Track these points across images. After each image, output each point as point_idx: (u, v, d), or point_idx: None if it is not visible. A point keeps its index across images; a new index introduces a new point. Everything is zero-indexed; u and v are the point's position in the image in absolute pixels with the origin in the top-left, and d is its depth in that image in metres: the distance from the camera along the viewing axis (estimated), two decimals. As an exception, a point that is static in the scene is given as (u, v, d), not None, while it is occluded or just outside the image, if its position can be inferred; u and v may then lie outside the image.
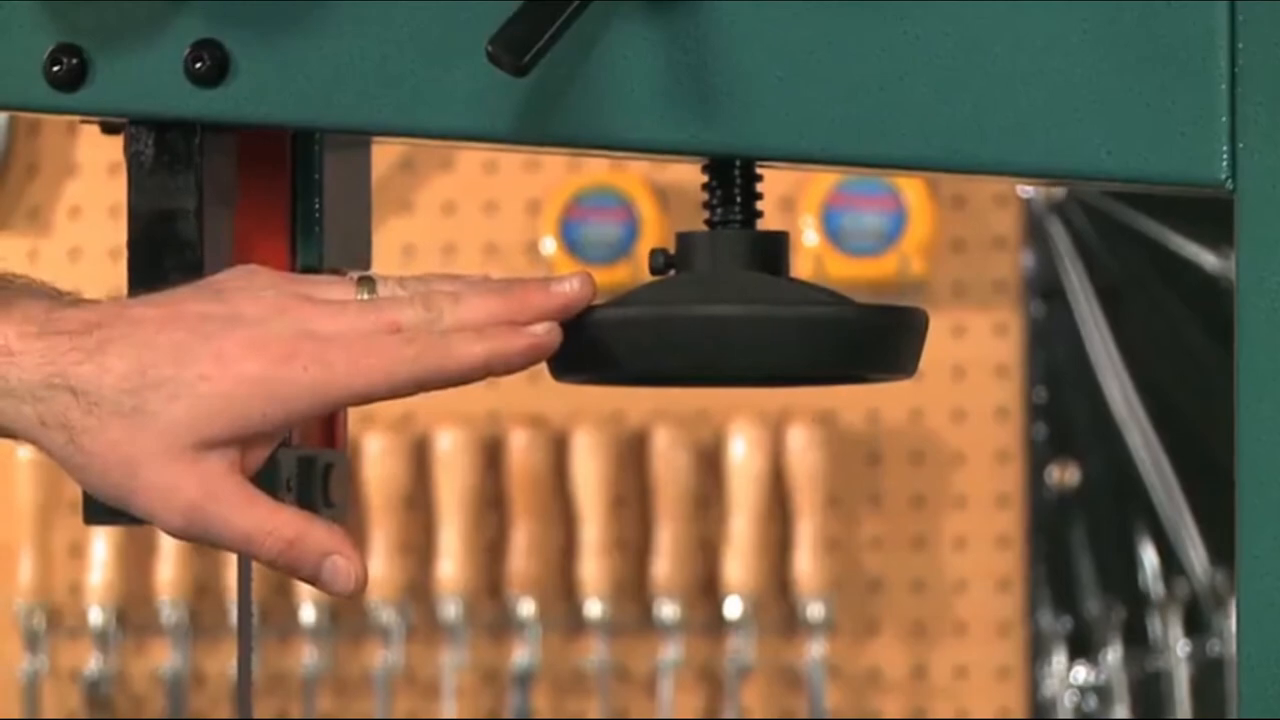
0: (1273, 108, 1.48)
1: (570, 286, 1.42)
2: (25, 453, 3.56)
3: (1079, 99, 1.48)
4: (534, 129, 1.54)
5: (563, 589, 3.55)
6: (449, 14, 1.51)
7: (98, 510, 1.56)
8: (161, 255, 1.61)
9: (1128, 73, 1.47)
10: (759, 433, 3.20)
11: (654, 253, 1.57)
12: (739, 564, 3.23)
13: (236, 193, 1.66)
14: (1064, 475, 3.52)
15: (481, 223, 3.50)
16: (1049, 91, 1.48)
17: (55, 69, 1.60)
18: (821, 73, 1.48)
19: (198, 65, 1.59)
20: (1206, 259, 3.30)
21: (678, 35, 1.51)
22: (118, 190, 1.65)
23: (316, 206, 1.69)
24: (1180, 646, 3.60)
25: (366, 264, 1.75)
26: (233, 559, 1.71)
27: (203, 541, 1.41)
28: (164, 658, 3.74)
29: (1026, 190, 3.31)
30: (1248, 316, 1.42)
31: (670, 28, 1.51)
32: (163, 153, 1.62)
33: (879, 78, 1.48)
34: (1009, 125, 1.47)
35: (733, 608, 3.23)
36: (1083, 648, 3.58)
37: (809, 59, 1.49)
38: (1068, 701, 3.59)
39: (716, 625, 3.34)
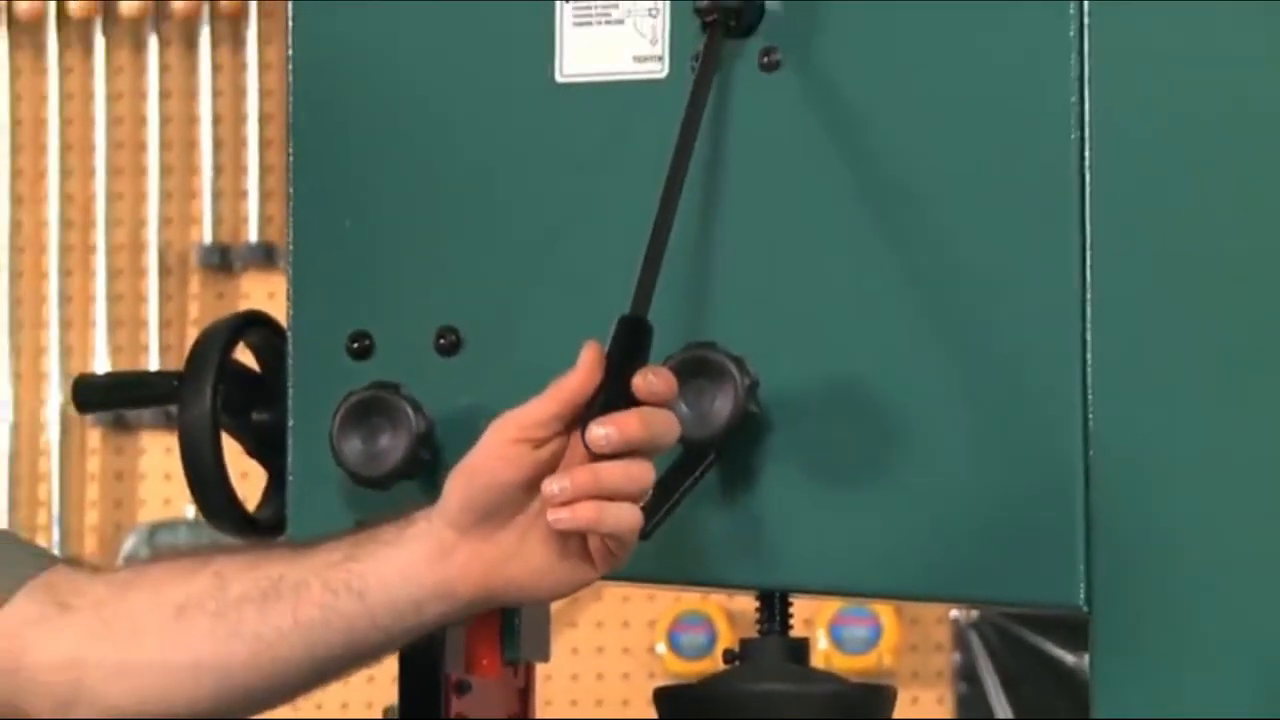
0: (1121, 547, 1.67)
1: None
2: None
3: (978, 549, 1.71)
4: (649, 573, 1.79)
5: None
6: None
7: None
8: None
9: (1006, 529, 1.71)
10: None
11: (726, 652, 1.87)
12: None
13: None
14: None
15: (619, 634, 3.91)
16: (962, 544, 1.71)
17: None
18: (830, 538, 1.74)
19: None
20: (1068, 658, 3.59)
21: (739, 504, 1.76)
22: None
23: (516, 620, 1.90)
24: None
25: (546, 656, 1.99)
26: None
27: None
28: None
29: (954, 612, 3.67)
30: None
31: (734, 498, 1.76)
32: None
33: (865, 547, 1.73)
34: (946, 567, 1.71)
35: None
36: None
37: (823, 529, 1.74)
38: None
39: None
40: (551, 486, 1.60)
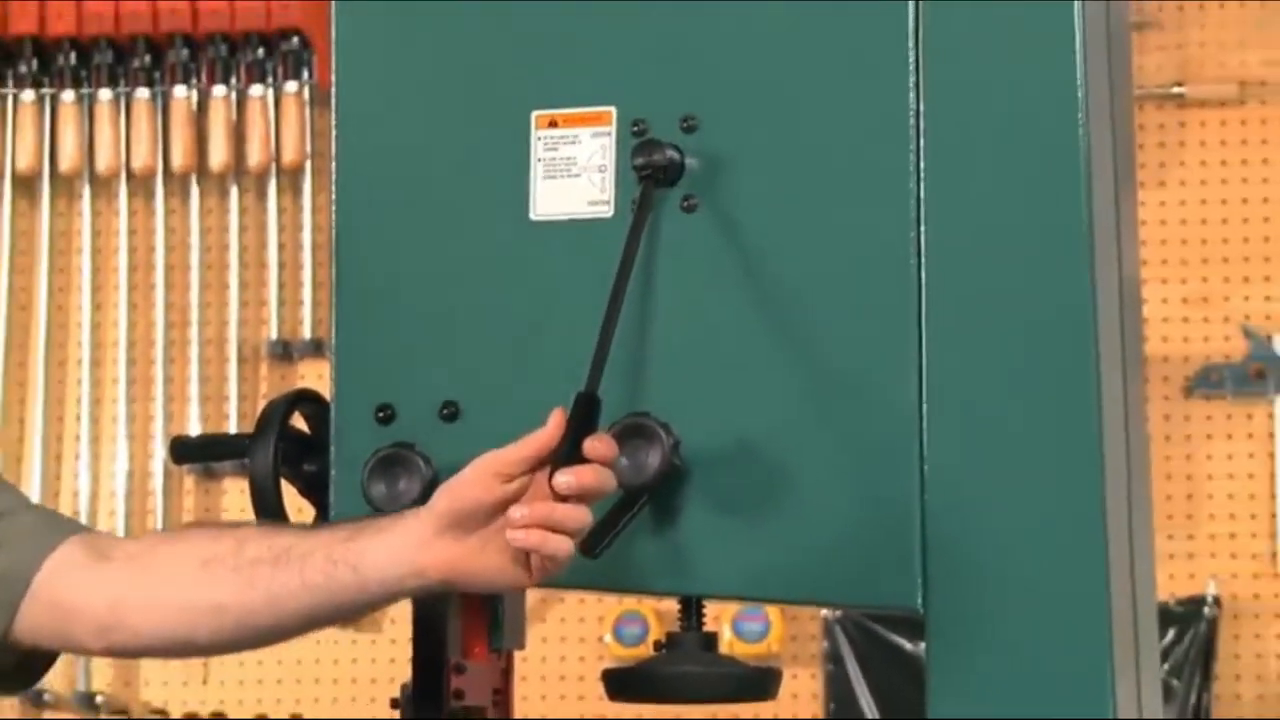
0: (949, 563, 1.65)
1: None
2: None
3: (839, 564, 1.70)
4: (599, 583, 1.81)
5: None
6: None
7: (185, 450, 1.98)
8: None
9: (860, 549, 1.70)
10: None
11: (656, 642, 1.90)
12: None
13: (461, 611, 1.92)
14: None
15: (576, 627, 3.82)
16: (828, 561, 1.71)
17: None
18: (731, 558, 1.74)
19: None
20: (908, 645, 3.53)
21: (665, 533, 1.75)
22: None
23: (500, 618, 1.93)
24: None
25: (522, 645, 1.99)
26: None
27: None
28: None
29: (824, 611, 3.62)
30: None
31: (661, 529, 1.75)
32: (430, 597, 1.83)
33: (756, 564, 1.73)
34: (815, 578, 1.72)
35: None
36: None
37: (726, 551, 1.74)
38: None
39: None
40: (515, 513, 1.62)
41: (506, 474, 1.64)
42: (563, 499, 1.62)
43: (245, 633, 1.73)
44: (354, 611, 1.73)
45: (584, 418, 1.64)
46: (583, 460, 1.62)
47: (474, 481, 1.64)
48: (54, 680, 3.72)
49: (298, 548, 1.70)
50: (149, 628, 1.73)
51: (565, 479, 1.60)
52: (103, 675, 3.94)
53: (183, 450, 2.05)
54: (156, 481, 3.95)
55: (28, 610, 1.74)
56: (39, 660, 1.82)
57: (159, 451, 3.91)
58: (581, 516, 1.63)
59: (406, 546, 1.66)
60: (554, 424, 1.63)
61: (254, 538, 1.73)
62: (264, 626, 1.73)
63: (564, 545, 1.62)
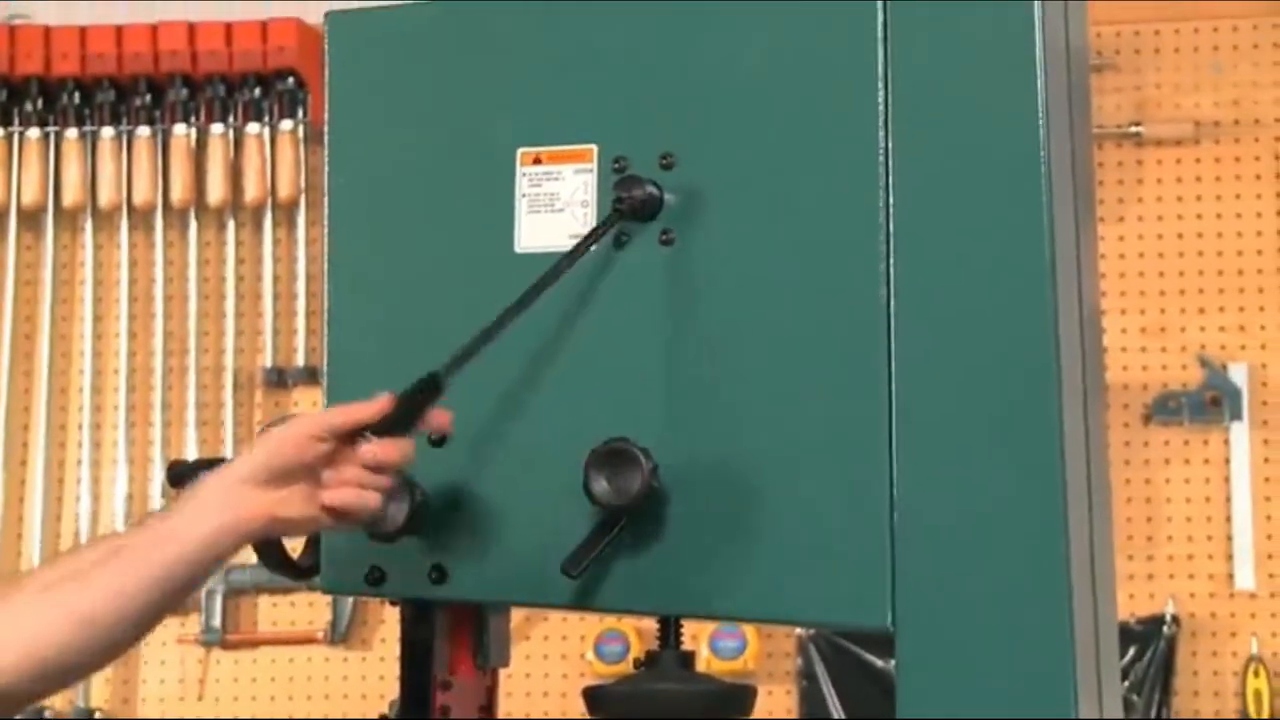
0: (921, 572, 1.65)
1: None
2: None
3: (813, 585, 1.69)
4: (581, 602, 1.78)
5: None
6: (543, 555, 1.74)
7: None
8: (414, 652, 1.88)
9: (833, 572, 1.69)
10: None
11: (636, 660, 1.89)
12: None
13: (448, 629, 1.90)
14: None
15: (559, 645, 3.79)
16: (802, 581, 1.70)
17: (370, 575, 1.83)
18: (708, 579, 1.73)
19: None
20: (878, 662, 3.51)
21: (644, 554, 1.75)
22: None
23: (486, 637, 1.92)
24: None
25: (507, 662, 1.96)
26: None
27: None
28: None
29: (798, 629, 3.60)
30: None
31: (641, 550, 1.74)
32: (418, 616, 1.90)
33: (732, 584, 1.72)
34: (791, 598, 1.71)
35: None
36: None
37: (703, 572, 1.73)
38: None
39: None
40: (327, 473, 1.68)
41: (323, 438, 1.68)
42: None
43: (96, 640, 1.67)
44: (188, 585, 1.69)
45: (417, 397, 1.69)
46: (403, 433, 1.69)
47: (294, 441, 1.68)
48: (53, 697, 3.67)
49: (127, 541, 1.69)
50: (7, 666, 1.64)
51: (369, 449, 1.68)
52: (100, 692, 3.93)
53: (180, 474, 1.98)
54: (155, 504, 3.94)
55: None
56: None
57: (157, 475, 3.90)
58: (381, 481, 1.70)
59: (224, 505, 1.67)
60: (379, 402, 1.68)
61: (88, 549, 1.72)
62: (110, 624, 1.67)
63: (371, 501, 1.70)
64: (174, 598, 1.69)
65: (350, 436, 1.70)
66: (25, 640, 1.64)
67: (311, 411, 1.71)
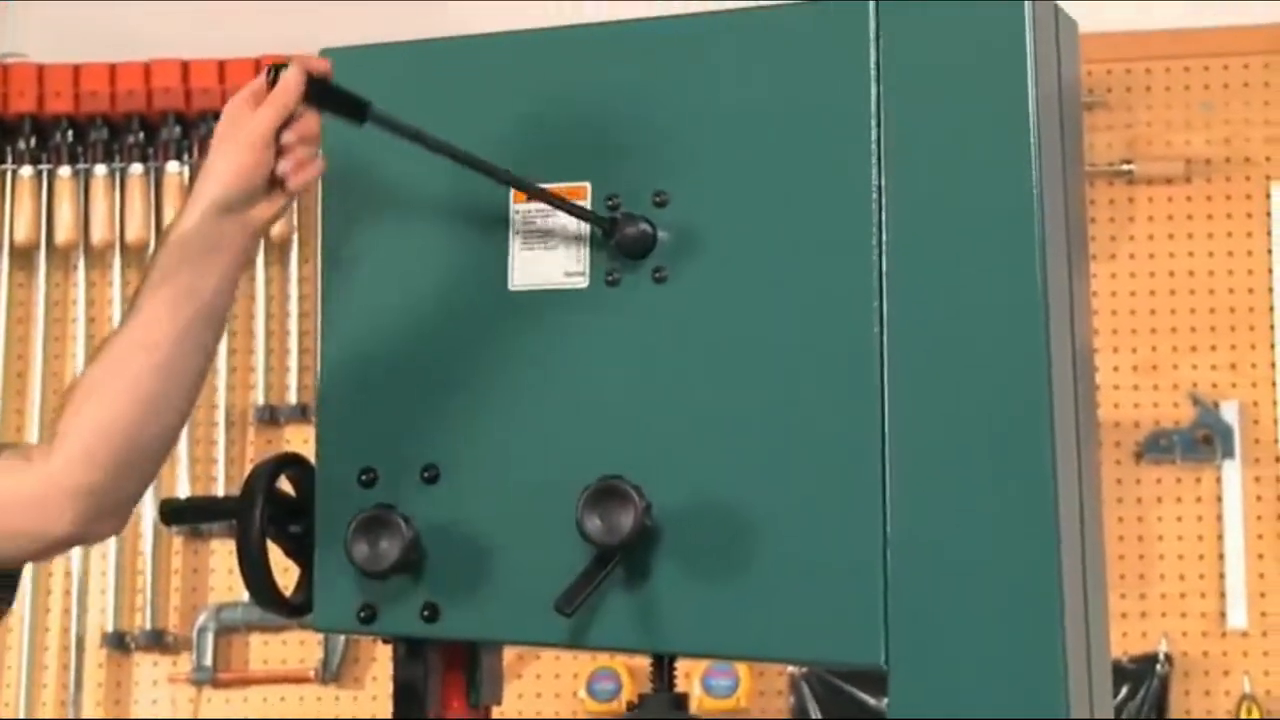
0: (914, 610, 1.65)
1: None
2: None
3: (806, 623, 1.70)
4: (574, 640, 1.78)
5: None
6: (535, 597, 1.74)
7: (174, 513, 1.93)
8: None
9: (827, 609, 1.69)
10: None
11: (629, 703, 1.91)
12: None
13: (441, 667, 1.90)
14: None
15: (552, 683, 3.76)
16: (795, 620, 1.70)
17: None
18: (701, 617, 1.73)
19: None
20: (871, 701, 3.50)
21: (636, 592, 1.75)
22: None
23: (479, 675, 1.92)
24: None
25: (499, 700, 1.95)
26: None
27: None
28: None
29: (790, 667, 3.57)
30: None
31: (633, 588, 1.75)
32: (411, 654, 1.88)
33: (725, 623, 1.72)
34: (783, 636, 1.71)
35: None
36: None
37: (696, 611, 1.73)
38: None
39: None
40: (285, 166, 1.74)
41: (267, 146, 1.73)
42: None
43: (178, 363, 1.71)
44: (226, 298, 1.75)
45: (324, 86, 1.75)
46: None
47: (248, 165, 1.73)
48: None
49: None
50: (93, 421, 1.67)
51: (299, 130, 1.74)
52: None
53: (172, 512, 2.03)
54: (146, 543, 3.94)
55: None
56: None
57: (148, 513, 3.89)
58: (314, 149, 1.77)
59: (225, 263, 1.74)
60: (292, 80, 1.72)
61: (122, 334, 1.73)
62: (192, 367, 1.72)
63: (318, 167, 1.77)
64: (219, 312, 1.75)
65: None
66: (112, 393, 1.67)
67: (234, 133, 1.73)
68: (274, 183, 1.75)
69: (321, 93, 1.74)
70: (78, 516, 1.68)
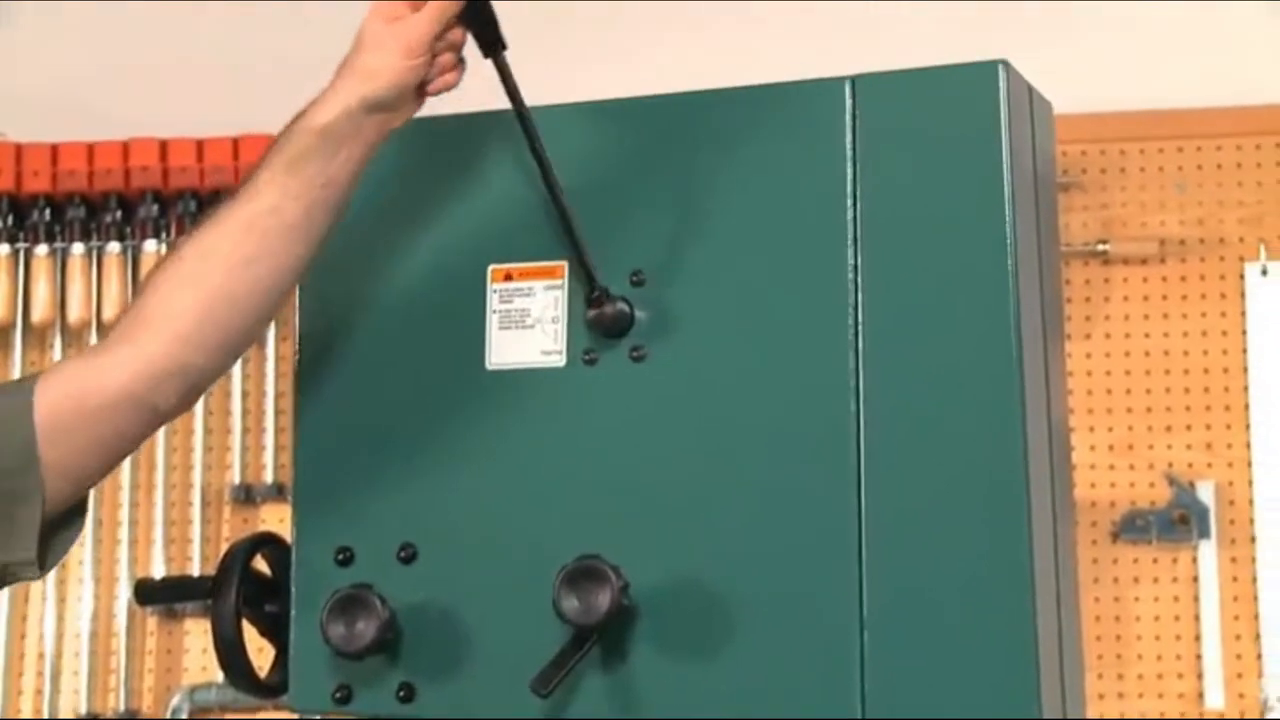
0: (892, 687, 1.65)
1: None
2: None
3: (782, 684, 1.69)
4: (554, 716, 1.77)
5: None
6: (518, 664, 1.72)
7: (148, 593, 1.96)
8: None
9: (803, 673, 1.68)
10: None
11: None
12: None
13: None
14: None
15: None
16: (770, 683, 1.70)
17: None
18: (676, 690, 1.74)
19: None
20: None
21: (612, 670, 1.75)
22: None
23: None
24: None
25: None
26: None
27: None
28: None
29: None
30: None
31: (609, 667, 1.75)
32: None
33: (702, 692, 1.72)
34: (758, 697, 1.70)
35: None
36: None
37: (672, 683, 1.74)
38: None
39: None
40: (431, 73, 1.76)
41: (419, 54, 1.73)
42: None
43: (293, 247, 1.72)
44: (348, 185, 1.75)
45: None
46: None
47: (397, 70, 1.73)
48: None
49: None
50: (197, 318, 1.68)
51: (446, 61, 1.75)
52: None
53: (147, 592, 2.03)
54: (120, 622, 3.92)
55: (46, 412, 1.67)
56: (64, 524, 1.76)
57: (123, 593, 3.88)
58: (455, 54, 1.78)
59: (351, 138, 1.73)
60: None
61: (216, 235, 1.72)
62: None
63: (459, 75, 1.78)
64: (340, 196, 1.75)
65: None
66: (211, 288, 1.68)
67: (391, 32, 1.73)
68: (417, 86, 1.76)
69: (475, 11, 1.75)
70: (181, 394, 1.71)
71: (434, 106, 1.86)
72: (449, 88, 1.77)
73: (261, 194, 1.70)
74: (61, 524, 1.73)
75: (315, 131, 1.71)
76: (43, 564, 1.71)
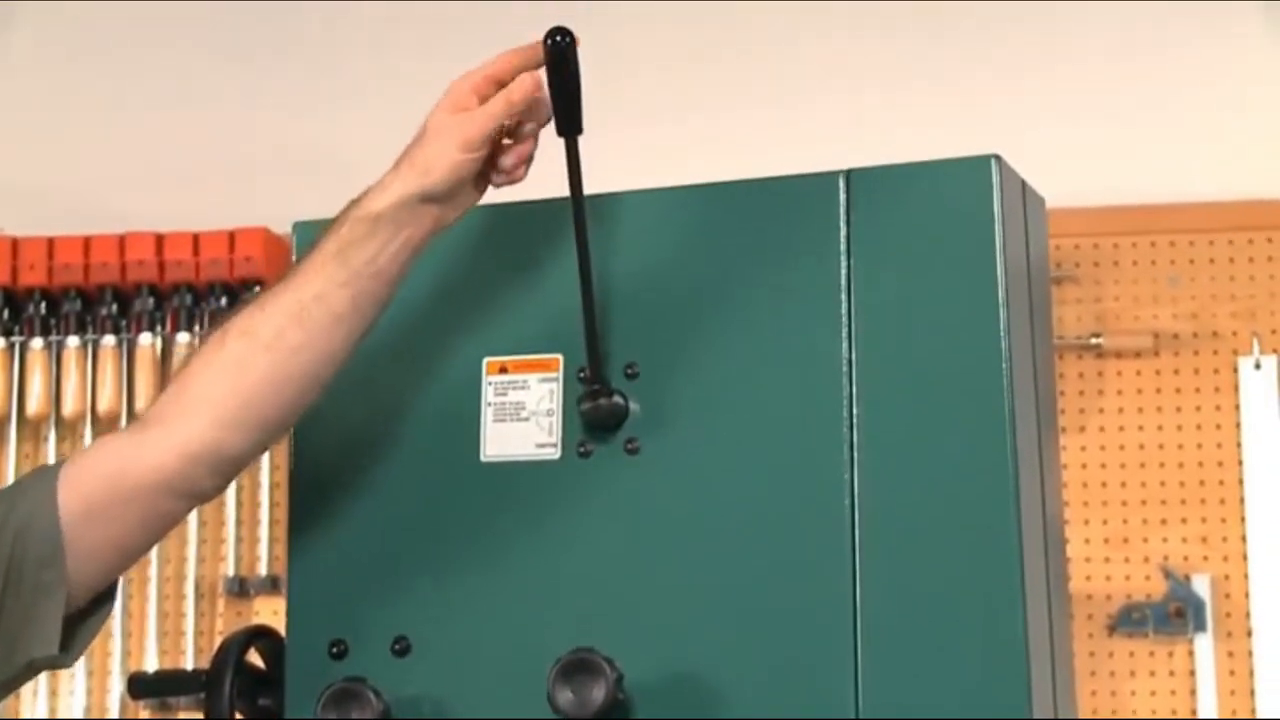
0: (885, 651, 1.66)
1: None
2: None
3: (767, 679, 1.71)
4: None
5: None
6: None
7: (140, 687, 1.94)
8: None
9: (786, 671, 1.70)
10: None
11: None
12: None
13: None
14: None
15: None
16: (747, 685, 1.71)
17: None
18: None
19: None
20: None
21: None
22: None
23: None
24: None
25: None
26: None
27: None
28: None
29: None
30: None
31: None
32: None
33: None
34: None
35: None
36: None
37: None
38: None
39: None
40: (499, 180, 1.76)
41: (475, 147, 1.71)
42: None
43: (338, 336, 1.72)
44: (384, 293, 1.74)
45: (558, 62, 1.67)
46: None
47: (448, 163, 1.70)
48: None
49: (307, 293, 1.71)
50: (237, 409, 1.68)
51: (510, 159, 1.73)
52: None
53: (140, 686, 2.02)
54: (113, 715, 3.89)
55: (78, 495, 1.66)
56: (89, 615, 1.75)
57: (116, 687, 3.86)
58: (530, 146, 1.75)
59: (395, 234, 1.71)
60: (517, 82, 1.70)
61: (260, 321, 1.71)
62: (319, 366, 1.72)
63: (524, 172, 1.76)
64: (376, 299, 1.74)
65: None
66: (254, 401, 1.67)
67: (454, 125, 1.71)
68: (478, 177, 1.75)
69: (565, 89, 1.68)
70: (217, 476, 1.72)
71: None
72: (513, 182, 1.75)
73: (310, 280, 1.69)
74: (90, 611, 1.73)
75: (368, 220, 1.70)
76: (69, 652, 1.70)
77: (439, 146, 1.70)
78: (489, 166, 1.75)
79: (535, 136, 1.74)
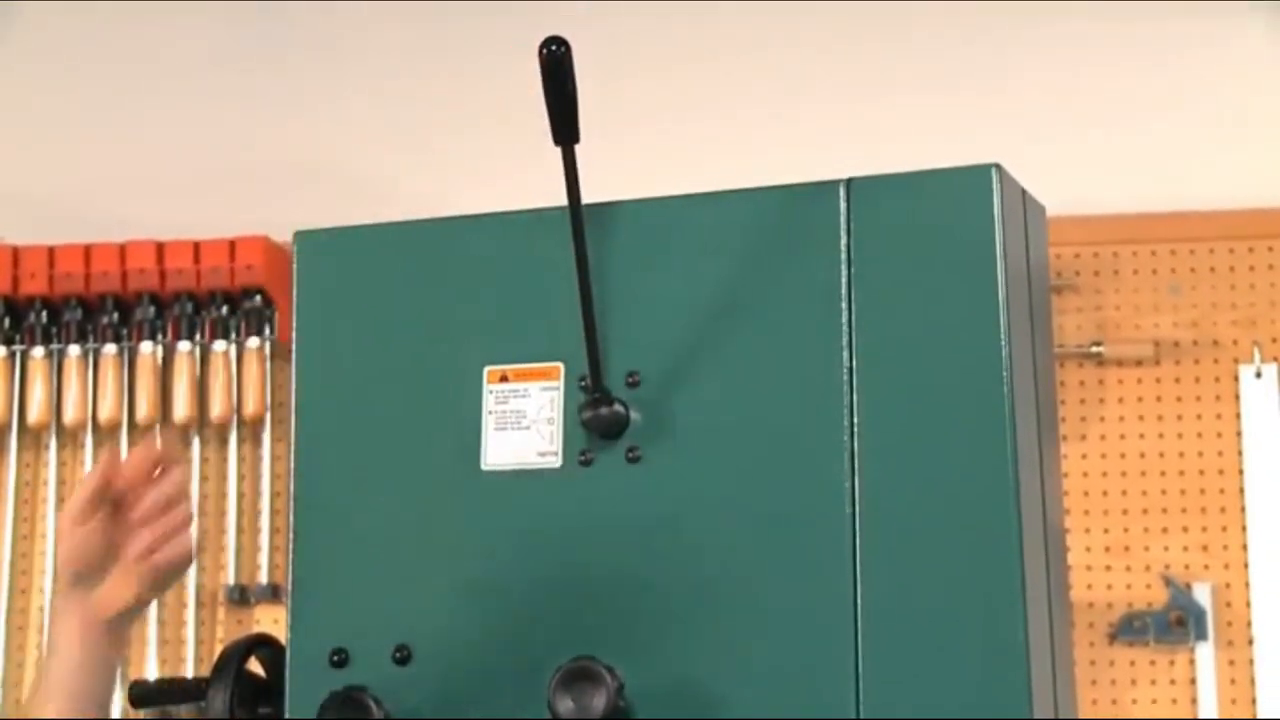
0: (887, 658, 1.65)
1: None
2: None
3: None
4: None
5: None
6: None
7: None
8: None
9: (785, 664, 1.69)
10: None
11: None
12: None
13: None
14: None
15: None
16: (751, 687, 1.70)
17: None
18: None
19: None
20: None
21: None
22: None
23: None
24: None
25: None
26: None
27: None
28: None
29: None
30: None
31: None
32: None
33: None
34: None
35: None
36: None
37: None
38: None
39: None
40: (135, 549, 1.82)
41: (79, 518, 1.80)
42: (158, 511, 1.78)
43: None
44: (101, 690, 1.83)
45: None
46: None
47: (65, 538, 1.78)
48: None
49: None
50: None
51: (147, 502, 1.77)
52: None
53: (140, 694, 2.03)
54: (114, 725, 3.89)
55: None
56: None
57: (117, 696, 3.85)
58: (182, 515, 1.81)
59: (68, 635, 1.80)
60: (110, 461, 1.77)
61: None
62: None
63: (184, 543, 1.80)
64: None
65: (115, 502, 1.78)
66: None
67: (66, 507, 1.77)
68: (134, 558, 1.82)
69: (561, 94, 1.63)
70: None
71: (435, 208, 1.86)
72: (177, 558, 1.83)
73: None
74: None
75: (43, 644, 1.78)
76: None
77: (59, 536, 1.83)
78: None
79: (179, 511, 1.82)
